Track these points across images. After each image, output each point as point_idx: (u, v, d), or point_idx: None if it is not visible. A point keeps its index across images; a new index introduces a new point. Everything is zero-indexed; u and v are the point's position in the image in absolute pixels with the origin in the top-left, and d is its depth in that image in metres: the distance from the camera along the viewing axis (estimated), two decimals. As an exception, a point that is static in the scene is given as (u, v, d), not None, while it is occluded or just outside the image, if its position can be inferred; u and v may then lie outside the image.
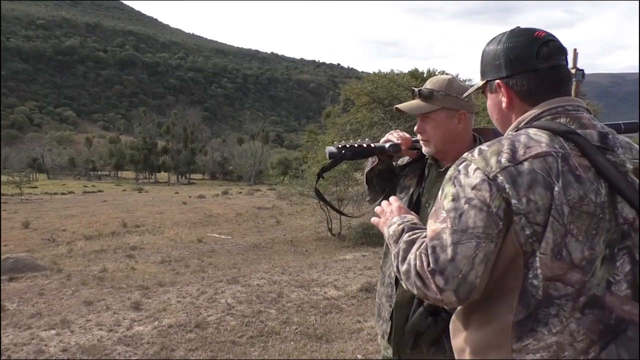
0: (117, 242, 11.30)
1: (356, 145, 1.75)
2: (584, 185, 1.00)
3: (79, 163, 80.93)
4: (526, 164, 0.99)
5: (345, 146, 1.73)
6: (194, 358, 4.18)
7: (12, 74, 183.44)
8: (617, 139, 1.08)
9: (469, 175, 1.03)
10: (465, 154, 1.09)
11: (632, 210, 1.03)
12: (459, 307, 1.13)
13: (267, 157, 63.52)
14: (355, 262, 8.13)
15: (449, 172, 1.09)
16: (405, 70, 16.54)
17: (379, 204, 1.82)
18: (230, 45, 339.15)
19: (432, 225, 1.05)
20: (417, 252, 1.06)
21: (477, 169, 1.02)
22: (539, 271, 0.98)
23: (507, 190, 0.98)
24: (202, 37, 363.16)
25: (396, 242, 1.17)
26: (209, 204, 23.06)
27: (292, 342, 4.44)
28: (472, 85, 1.38)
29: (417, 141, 1.79)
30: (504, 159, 1.01)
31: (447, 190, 1.06)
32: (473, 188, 1.01)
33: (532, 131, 1.06)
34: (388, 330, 1.71)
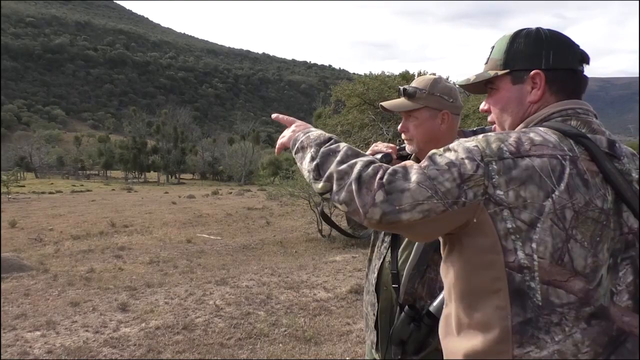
0: (105, 242, 11.21)
1: None
2: (591, 190, 0.97)
3: (67, 162, 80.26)
4: (527, 160, 0.97)
5: None
6: (181, 360, 4.14)
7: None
8: (623, 148, 1.07)
9: (465, 146, 1.00)
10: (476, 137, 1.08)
11: (637, 220, 1.01)
12: (446, 312, 1.10)
13: (258, 158, 63.41)
14: (345, 264, 8.12)
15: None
16: (397, 72, 16.59)
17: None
18: (221, 45, 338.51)
19: (407, 162, 1.04)
20: (375, 164, 1.02)
21: (476, 146, 0.99)
22: (536, 274, 0.95)
23: (493, 179, 0.95)
24: (193, 36, 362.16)
25: (321, 144, 1.12)
26: (198, 204, 22.95)
27: (280, 345, 4.42)
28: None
29: (403, 149, 1.78)
30: (506, 148, 0.98)
31: (442, 147, 1.05)
32: (462, 158, 0.98)
33: (541, 129, 1.04)
34: (375, 340, 1.68)
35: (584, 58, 1.13)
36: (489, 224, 0.96)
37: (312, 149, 1.12)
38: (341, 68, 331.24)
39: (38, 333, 4.77)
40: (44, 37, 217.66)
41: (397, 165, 1.05)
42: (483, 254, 0.98)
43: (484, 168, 0.96)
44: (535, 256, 0.95)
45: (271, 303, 5.71)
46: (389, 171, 0.99)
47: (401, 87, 1.69)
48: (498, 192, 0.95)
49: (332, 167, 1.06)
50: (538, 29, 1.13)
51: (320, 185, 1.07)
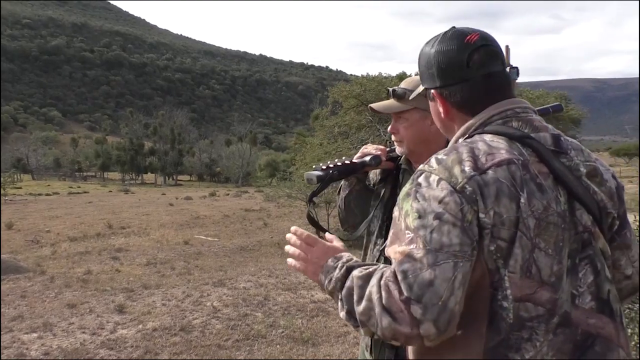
0: (102, 244, 11.18)
1: (340, 164, 1.69)
2: (546, 194, 0.93)
3: (64, 164, 79.98)
4: (490, 173, 0.91)
5: (329, 166, 1.69)
6: (178, 362, 4.13)
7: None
8: (568, 141, 1.03)
9: (432, 187, 0.92)
10: (421, 165, 1.00)
11: (590, 218, 0.97)
12: None
13: (255, 159, 63.30)
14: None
15: (405, 188, 0.98)
16: (394, 74, 16.62)
17: (356, 231, 1.78)
18: (218, 47, 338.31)
19: (398, 249, 0.91)
20: (382, 283, 0.90)
21: (441, 179, 0.93)
22: (508, 292, 0.89)
23: (477, 202, 0.90)
24: (190, 38, 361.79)
25: (342, 287, 0.99)
26: (196, 205, 22.92)
27: (278, 346, 4.42)
28: None
29: (392, 150, 1.77)
30: (467, 168, 0.92)
31: (406, 208, 0.94)
32: (440, 201, 0.90)
33: (488, 137, 0.99)
34: (370, 344, 1.68)
35: (487, 58, 1.04)
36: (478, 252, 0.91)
37: (339, 295, 1.00)
38: (338, 69, 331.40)
39: (35, 335, 4.76)
40: (40, 38, 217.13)
41: (379, 266, 0.97)
42: (474, 280, 0.91)
43: (462, 195, 0.90)
44: (506, 271, 0.90)
45: (269, 304, 5.71)
46: (399, 279, 0.88)
47: (390, 89, 1.66)
48: (481, 215, 0.90)
49: (357, 311, 0.94)
50: (436, 39, 1.09)
51: (364, 331, 0.95)
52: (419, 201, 0.92)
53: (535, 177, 0.94)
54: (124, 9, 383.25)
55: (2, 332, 4.85)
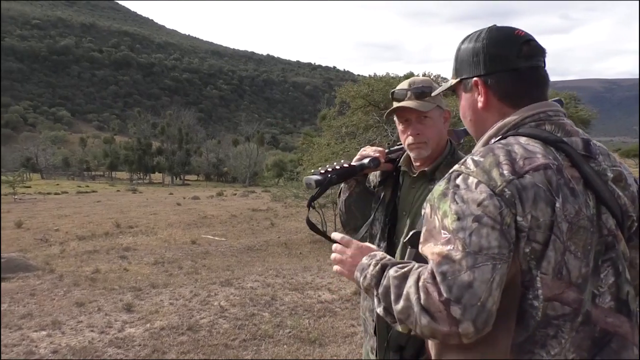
0: (110, 243, 11.24)
1: (338, 167, 1.68)
2: (578, 198, 0.95)
3: (73, 163, 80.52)
4: (528, 177, 0.93)
5: (328, 170, 1.68)
6: (186, 361, 4.14)
7: (6, 74, 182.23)
8: (597, 146, 1.05)
9: (470, 189, 0.94)
10: (456, 166, 1.00)
11: (614, 221, 1.00)
12: None
13: (262, 159, 63.38)
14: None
15: (440, 187, 0.98)
16: (401, 74, 16.58)
17: (360, 232, 1.76)
18: (226, 47, 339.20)
19: (434, 249, 0.94)
20: (420, 284, 0.93)
21: (480, 182, 0.93)
22: (539, 292, 0.93)
23: (515, 205, 0.91)
24: (197, 38, 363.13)
25: (378, 284, 1.03)
26: (203, 205, 22.98)
27: (285, 346, 4.42)
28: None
29: (391, 152, 1.76)
30: (506, 172, 0.93)
31: (444, 208, 0.95)
32: (479, 204, 0.91)
33: (523, 140, 1.00)
34: (375, 346, 1.66)
35: (533, 52, 1.07)
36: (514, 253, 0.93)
37: (375, 292, 1.04)
38: (346, 69, 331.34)
39: (44, 333, 4.80)
40: (49, 39, 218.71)
41: (415, 265, 0.99)
42: (507, 280, 0.94)
43: (502, 198, 0.91)
44: (539, 272, 0.93)
45: (276, 304, 5.71)
46: (438, 281, 0.90)
47: (410, 88, 1.63)
48: (519, 218, 0.91)
49: (395, 309, 0.97)
50: (482, 32, 1.10)
51: (401, 327, 0.99)
52: (457, 203, 0.93)
53: (569, 181, 0.96)
54: (132, 9, 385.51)
55: (12, 330, 4.89)
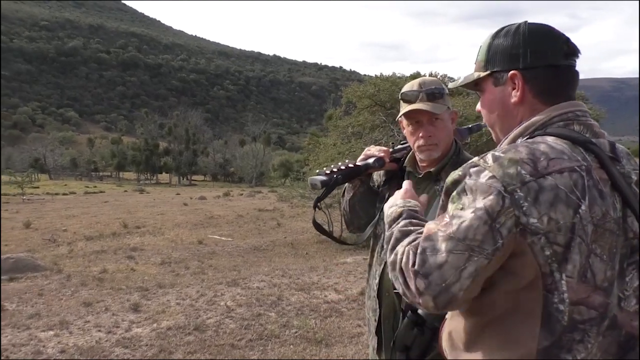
0: (118, 243, 11.29)
1: (343, 167, 1.68)
2: (606, 200, 0.94)
3: (80, 163, 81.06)
4: (549, 179, 0.91)
5: (333, 170, 1.68)
6: (192, 361, 4.15)
7: (15, 75, 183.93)
8: (620, 149, 1.05)
9: (480, 182, 0.93)
10: (476, 158, 0.99)
11: (639, 224, 0.99)
12: (465, 323, 1.04)
13: (269, 159, 63.51)
14: (356, 266, 8.10)
15: (455, 174, 0.99)
16: (407, 74, 16.55)
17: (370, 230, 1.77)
18: (232, 47, 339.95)
19: (431, 225, 0.98)
20: (407, 248, 0.98)
21: (493, 177, 0.92)
22: (565, 295, 0.91)
23: (523, 207, 0.89)
24: (204, 38, 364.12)
25: (390, 224, 1.10)
26: (210, 205, 23.04)
27: (291, 346, 4.42)
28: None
29: (396, 152, 1.75)
30: (525, 171, 0.91)
31: (454, 195, 0.97)
32: (484, 197, 0.91)
33: (550, 139, 0.98)
34: (376, 345, 1.67)
35: (571, 50, 1.06)
36: (529, 255, 0.91)
37: (386, 230, 1.12)
38: (352, 69, 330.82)
39: (51, 332, 4.82)
40: (57, 40, 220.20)
41: (419, 229, 1.02)
42: (522, 280, 0.94)
43: (510, 198, 0.90)
44: (564, 275, 0.91)
45: (282, 304, 5.71)
46: (417, 252, 0.95)
47: (422, 89, 1.63)
48: (532, 220, 0.89)
49: (389, 259, 1.04)
50: (519, 25, 1.08)
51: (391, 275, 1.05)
52: (466, 193, 0.94)
53: (598, 183, 0.94)
54: (139, 10, 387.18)
55: (20, 330, 4.92)
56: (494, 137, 1.17)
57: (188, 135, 75.39)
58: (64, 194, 34.80)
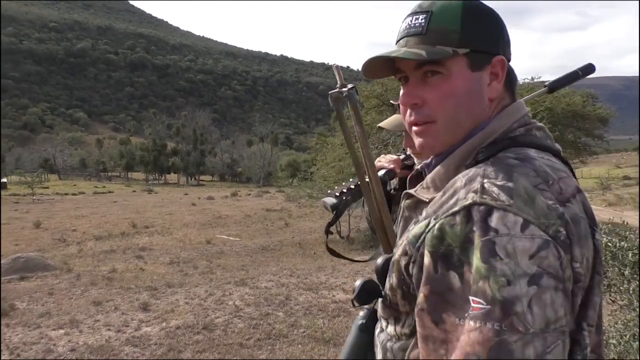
0: (127, 243, 11.36)
1: (353, 186, 1.70)
2: (585, 219, 0.71)
3: (89, 164, 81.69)
4: (571, 206, 0.68)
5: (343, 192, 1.70)
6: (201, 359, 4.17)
7: (24, 76, 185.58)
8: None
9: (515, 234, 0.63)
10: (472, 196, 0.67)
11: None
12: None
13: (276, 159, 63.67)
14: (364, 265, 8.10)
15: (457, 230, 0.66)
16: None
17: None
18: (240, 48, 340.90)
19: (470, 330, 0.61)
20: None
21: (527, 222, 0.63)
22: (587, 350, 0.70)
23: (572, 249, 0.66)
24: (212, 39, 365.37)
25: None
26: (217, 205, 23.12)
27: (299, 345, 4.43)
28: None
29: (406, 158, 1.76)
30: (550, 201, 0.66)
31: (475, 263, 0.63)
32: (532, 256, 0.62)
33: (533, 152, 0.74)
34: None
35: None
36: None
37: None
38: (359, 69, 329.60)
39: (62, 331, 4.86)
40: (66, 41, 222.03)
41: (456, 351, 0.63)
42: None
43: (560, 243, 0.64)
44: (585, 325, 0.71)
45: (290, 304, 5.72)
46: None
47: (396, 102, 1.65)
48: (576, 264, 0.66)
49: None
50: (486, 5, 0.83)
51: None
52: (499, 257, 0.62)
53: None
54: (147, 11, 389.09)
55: (30, 329, 4.97)
56: (423, 144, 0.83)
57: (196, 135, 75.72)
58: (73, 194, 35.07)
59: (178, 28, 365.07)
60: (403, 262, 0.75)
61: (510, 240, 0.62)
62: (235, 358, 4.20)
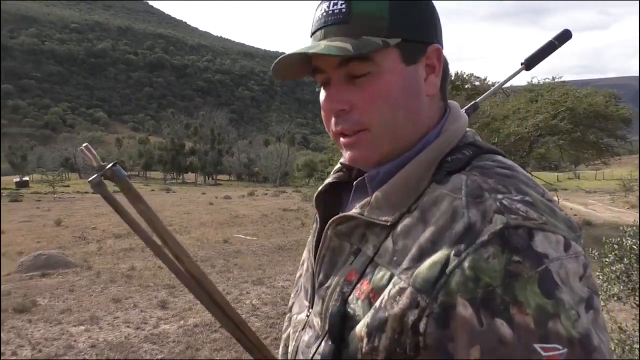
0: (145, 241, 11.48)
1: None
2: None
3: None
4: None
5: None
6: (218, 358, 4.21)
7: (46, 76, 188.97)
8: None
9: (563, 255, 0.54)
10: (500, 217, 0.55)
11: None
12: None
13: (293, 159, 63.74)
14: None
15: (498, 264, 0.52)
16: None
17: None
18: (257, 48, 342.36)
19: None
20: None
21: (568, 241, 0.55)
22: None
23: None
24: (229, 39, 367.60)
25: None
26: (235, 204, 23.24)
27: (316, 345, 4.43)
28: None
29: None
30: (557, 208, 0.59)
31: (534, 300, 0.51)
32: (582, 277, 0.54)
33: (502, 158, 0.66)
34: None
35: None
36: None
37: None
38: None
39: (82, 327, 4.94)
40: (87, 42, 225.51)
41: None
42: None
43: (583, 256, 0.57)
44: None
45: (306, 303, 5.73)
46: None
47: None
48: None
49: None
50: None
51: None
52: (561, 288, 0.52)
53: None
54: (166, 12, 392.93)
55: (52, 325, 5.06)
56: (356, 156, 0.69)
57: (213, 135, 76.25)
58: (93, 193, 35.50)
59: (196, 28, 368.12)
60: (411, 318, 0.55)
61: (562, 265, 0.53)
62: (251, 357, 4.22)
